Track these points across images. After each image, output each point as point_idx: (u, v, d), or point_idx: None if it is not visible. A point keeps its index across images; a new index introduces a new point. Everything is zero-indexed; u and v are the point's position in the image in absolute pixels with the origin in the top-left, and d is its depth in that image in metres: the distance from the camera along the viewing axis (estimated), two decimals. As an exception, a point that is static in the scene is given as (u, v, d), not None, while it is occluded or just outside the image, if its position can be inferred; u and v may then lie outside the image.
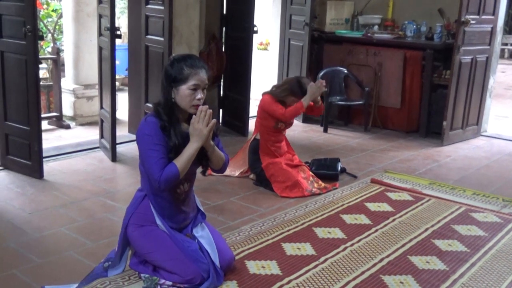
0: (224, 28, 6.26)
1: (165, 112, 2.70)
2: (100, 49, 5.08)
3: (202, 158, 2.81)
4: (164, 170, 2.62)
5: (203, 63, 2.75)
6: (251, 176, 4.61)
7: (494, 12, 6.05)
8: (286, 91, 4.34)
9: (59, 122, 6.14)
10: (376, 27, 6.90)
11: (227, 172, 4.52)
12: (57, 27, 7.44)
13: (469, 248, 3.39)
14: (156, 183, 2.63)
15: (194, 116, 2.66)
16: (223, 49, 6.13)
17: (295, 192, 4.24)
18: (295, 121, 6.74)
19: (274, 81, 7.27)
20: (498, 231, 3.67)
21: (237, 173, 4.66)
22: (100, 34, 5.07)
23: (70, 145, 5.33)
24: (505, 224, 3.79)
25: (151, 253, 2.77)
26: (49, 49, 6.65)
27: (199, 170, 2.91)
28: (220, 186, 4.42)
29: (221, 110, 6.44)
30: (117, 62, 4.92)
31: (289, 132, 5.52)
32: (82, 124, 6.32)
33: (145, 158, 2.68)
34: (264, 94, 4.46)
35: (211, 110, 2.67)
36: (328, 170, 4.66)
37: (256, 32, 5.94)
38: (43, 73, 6.57)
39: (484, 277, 3.03)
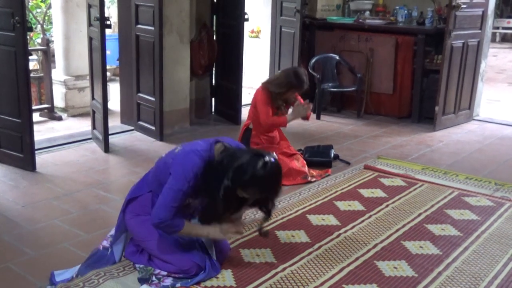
0: (215, 16, 6.22)
1: (207, 179, 2.60)
2: (90, 39, 5.04)
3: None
4: (171, 220, 2.60)
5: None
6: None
7: (485, -4, 6.04)
8: (284, 87, 4.22)
9: (51, 114, 6.10)
10: (367, 12, 6.87)
11: None
12: (46, 18, 7.38)
13: (462, 232, 3.41)
14: (155, 220, 2.62)
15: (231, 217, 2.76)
16: (214, 38, 6.10)
17: (290, 180, 4.24)
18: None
19: (266, 69, 7.25)
20: (490, 215, 3.69)
21: None
22: (90, 24, 5.03)
23: (62, 137, 5.30)
24: (498, 208, 3.81)
25: (147, 241, 2.78)
26: (39, 40, 6.59)
27: None
28: (214, 175, 4.40)
29: (213, 99, 6.42)
30: (108, 52, 4.90)
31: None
32: (74, 116, 6.29)
33: (166, 192, 2.61)
34: (261, 84, 4.36)
35: (242, 232, 2.85)
36: (321, 157, 4.66)
37: (247, 19, 5.92)
38: (33, 64, 6.52)
39: (477, 261, 3.05)
